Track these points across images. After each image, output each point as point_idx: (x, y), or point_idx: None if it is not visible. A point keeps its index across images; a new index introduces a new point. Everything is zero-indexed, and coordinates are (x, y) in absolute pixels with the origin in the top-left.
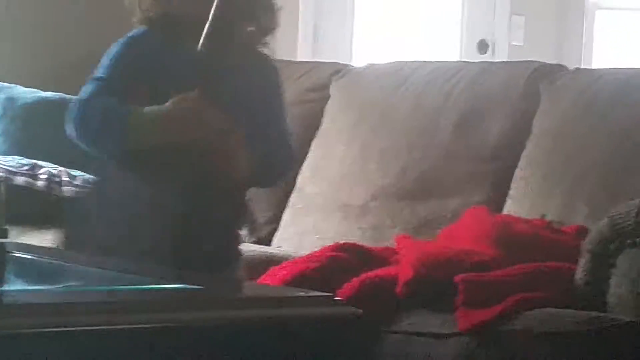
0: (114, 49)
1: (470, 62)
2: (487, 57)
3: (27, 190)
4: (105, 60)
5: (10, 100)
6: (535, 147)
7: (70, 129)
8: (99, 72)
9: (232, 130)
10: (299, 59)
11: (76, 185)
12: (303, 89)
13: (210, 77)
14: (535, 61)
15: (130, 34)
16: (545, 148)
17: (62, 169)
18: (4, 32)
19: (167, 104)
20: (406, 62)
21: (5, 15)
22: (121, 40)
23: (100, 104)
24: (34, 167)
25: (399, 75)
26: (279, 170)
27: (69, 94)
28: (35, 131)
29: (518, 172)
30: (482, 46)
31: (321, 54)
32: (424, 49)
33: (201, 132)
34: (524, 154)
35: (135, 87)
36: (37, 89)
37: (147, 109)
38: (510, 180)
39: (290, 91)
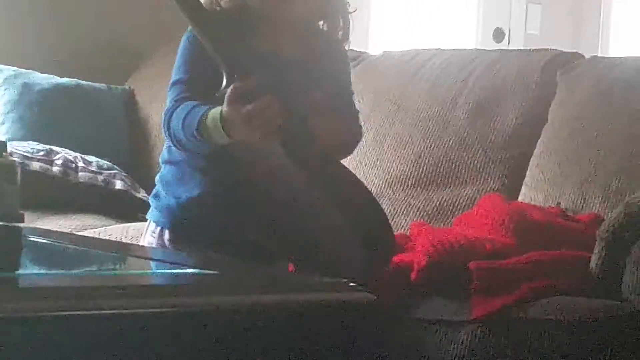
0: (183, 47)
1: (486, 50)
2: (503, 46)
3: (43, 176)
4: (178, 61)
5: (27, 86)
6: (551, 135)
7: (164, 134)
8: (175, 75)
9: (314, 117)
10: None
11: (92, 171)
12: None
13: (286, 69)
14: (552, 49)
15: (190, 34)
16: (561, 136)
17: (77, 154)
18: (21, 18)
19: (225, 98)
20: (421, 49)
21: (23, 2)
22: (187, 36)
23: (180, 111)
24: (49, 152)
25: (414, 63)
26: (355, 143)
27: (85, 80)
28: (51, 117)
29: (533, 160)
30: (498, 34)
31: None
32: (439, 37)
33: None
34: (540, 141)
35: (212, 81)
36: (54, 75)
37: (215, 110)
38: (526, 168)
39: None
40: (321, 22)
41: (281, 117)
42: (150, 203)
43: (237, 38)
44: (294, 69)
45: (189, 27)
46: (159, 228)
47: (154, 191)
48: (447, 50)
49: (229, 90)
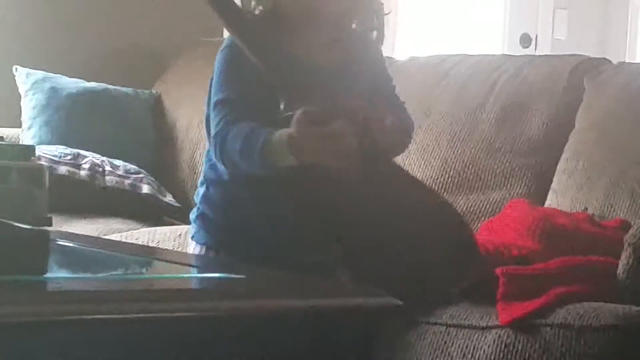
0: (223, 62)
1: (512, 55)
2: (529, 51)
3: (70, 180)
4: (220, 77)
5: (55, 90)
6: (578, 141)
7: (216, 158)
8: (219, 93)
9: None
10: None
11: (119, 175)
12: None
13: (331, 79)
14: (579, 55)
15: (228, 42)
16: (588, 141)
17: (104, 158)
18: (49, 23)
19: (294, 121)
20: (448, 55)
21: (49, 6)
22: (226, 49)
23: (236, 133)
24: (77, 156)
25: (441, 69)
26: (410, 134)
27: (112, 85)
28: (79, 121)
29: (560, 165)
30: (525, 40)
31: None
32: (466, 42)
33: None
34: (567, 147)
35: (259, 99)
36: (81, 79)
37: (279, 133)
38: (553, 173)
39: None
40: (355, 23)
41: (355, 139)
42: (193, 224)
43: (276, 46)
44: (332, 76)
45: (226, 40)
46: (204, 248)
47: (196, 212)
48: (474, 55)
49: (297, 113)
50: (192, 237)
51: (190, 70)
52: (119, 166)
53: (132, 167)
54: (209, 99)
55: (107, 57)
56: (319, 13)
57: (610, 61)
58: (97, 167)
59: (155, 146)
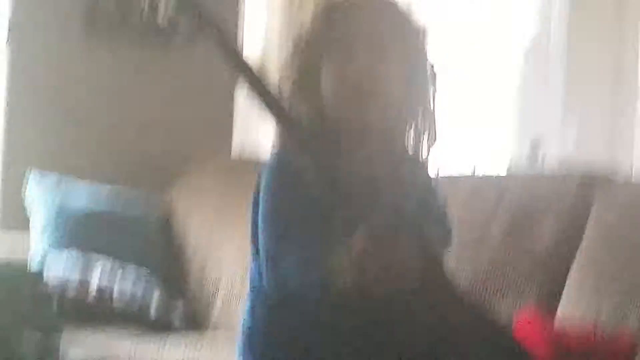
0: (269, 177)
1: (518, 175)
2: (539, 156)
3: (79, 302)
4: (266, 195)
5: (69, 193)
6: (588, 254)
7: (267, 280)
8: (267, 211)
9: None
10: None
11: (130, 281)
12: None
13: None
14: (587, 169)
15: (275, 155)
16: (597, 255)
17: (116, 262)
18: (64, 126)
19: (355, 239)
20: (451, 177)
21: (65, 110)
22: (271, 164)
23: (285, 255)
24: (86, 268)
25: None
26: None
27: (125, 188)
28: (92, 224)
29: (570, 278)
30: (534, 144)
31: None
32: (475, 148)
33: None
34: (576, 260)
35: (311, 216)
36: (95, 182)
37: (338, 255)
38: (562, 286)
39: None
40: (405, 129)
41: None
42: (239, 343)
43: (329, 158)
44: (382, 189)
45: (272, 153)
46: None
47: (242, 331)
48: (476, 177)
49: (356, 238)
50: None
51: (201, 182)
52: (130, 271)
53: (143, 271)
54: (254, 215)
55: (122, 162)
56: (363, 121)
57: (617, 175)
58: (104, 289)
59: (166, 254)
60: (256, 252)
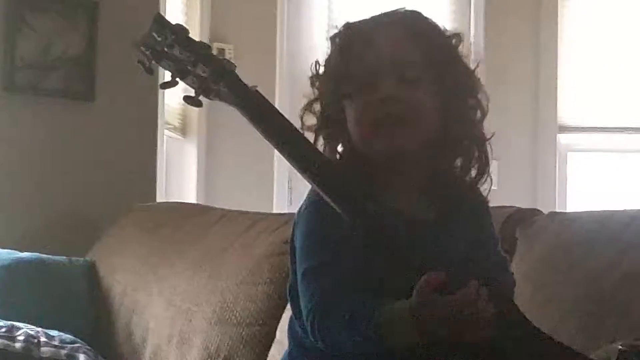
0: (306, 224)
1: None
2: None
3: (5, 352)
4: (305, 243)
5: None
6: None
7: (312, 336)
8: (307, 261)
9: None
10: None
11: (54, 346)
12: None
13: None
14: (511, 206)
15: (311, 198)
16: (523, 293)
17: (39, 329)
18: None
19: (417, 289)
20: None
21: None
22: (308, 209)
23: (334, 309)
24: (11, 328)
25: None
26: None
27: (46, 254)
28: (12, 292)
29: None
30: None
31: None
32: None
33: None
34: None
35: (358, 264)
36: (14, 249)
37: (398, 305)
38: None
39: None
40: (454, 160)
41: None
42: None
43: (366, 198)
44: (426, 230)
45: (308, 197)
46: None
47: None
48: None
49: (421, 281)
50: None
51: (124, 236)
52: (54, 337)
53: (67, 336)
54: (292, 266)
55: (41, 227)
56: (400, 152)
57: (541, 211)
58: (32, 339)
59: (91, 314)
60: (294, 305)
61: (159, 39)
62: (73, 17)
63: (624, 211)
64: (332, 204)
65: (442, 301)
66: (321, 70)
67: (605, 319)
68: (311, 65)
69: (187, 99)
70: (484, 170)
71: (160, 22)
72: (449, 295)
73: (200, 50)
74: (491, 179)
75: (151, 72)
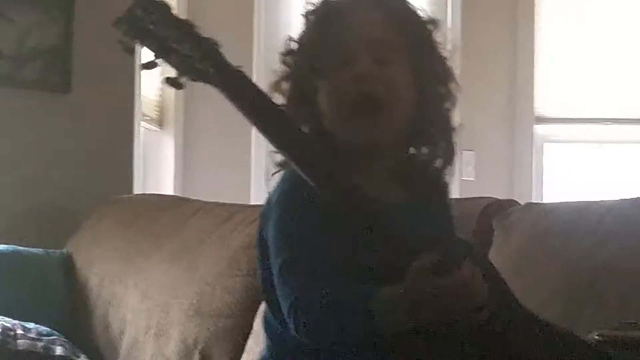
0: (281, 209)
1: None
2: None
3: None
4: (281, 231)
5: None
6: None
7: (296, 331)
8: (284, 251)
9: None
10: None
11: (31, 338)
12: None
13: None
14: (487, 197)
15: (286, 176)
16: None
17: (16, 322)
18: None
19: (410, 273)
20: None
21: None
22: (283, 189)
23: (318, 299)
24: None
25: None
26: None
27: (22, 246)
28: None
29: None
30: None
31: None
32: None
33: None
34: None
35: (339, 250)
36: None
37: (389, 291)
38: None
39: None
40: (420, 147)
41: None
42: None
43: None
44: (400, 211)
45: (283, 174)
46: None
47: None
48: None
49: (415, 265)
50: None
51: (100, 228)
52: (31, 329)
53: (44, 329)
54: (262, 260)
55: (17, 219)
56: (365, 140)
57: (517, 202)
58: (8, 331)
59: (68, 307)
60: (270, 300)
61: (143, 16)
62: (49, 8)
63: (601, 202)
64: (313, 183)
65: (438, 283)
66: (294, 47)
67: (582, 309)
68: (284, 42)
69: (168, 80)
70: (450, 159)
71: None
72: (444, 277)
73: (186, 28)
74: (459, 169)
75: (132, 51)
